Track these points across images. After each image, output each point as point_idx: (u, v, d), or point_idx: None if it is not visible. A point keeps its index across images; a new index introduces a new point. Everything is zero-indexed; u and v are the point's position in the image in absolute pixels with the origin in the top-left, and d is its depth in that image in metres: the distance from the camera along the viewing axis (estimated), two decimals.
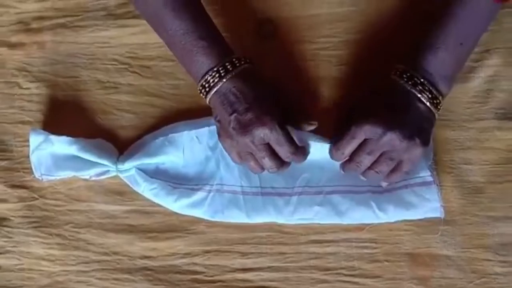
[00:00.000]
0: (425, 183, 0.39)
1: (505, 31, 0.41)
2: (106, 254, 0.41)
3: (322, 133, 0.39)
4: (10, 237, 0.42)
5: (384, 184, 0.39)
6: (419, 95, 0.35)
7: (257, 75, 0.37)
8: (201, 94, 0.37)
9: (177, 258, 0.41)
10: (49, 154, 0.41)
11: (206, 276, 0.41)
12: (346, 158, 0.37)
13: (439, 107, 0.36)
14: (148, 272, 0.41)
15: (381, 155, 0.36)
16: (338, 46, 0.42)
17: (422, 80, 0.35)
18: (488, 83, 0.41)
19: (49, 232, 0.42)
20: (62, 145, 0.40)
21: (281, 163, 0.36)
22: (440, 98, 0.36)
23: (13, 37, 0.44)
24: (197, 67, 0.36)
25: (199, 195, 0.40)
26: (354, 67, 0.42)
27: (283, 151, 0.35)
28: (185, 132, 0.40)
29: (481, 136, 0.41)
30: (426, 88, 0.35)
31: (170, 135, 0.41)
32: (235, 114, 0.35)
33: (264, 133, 0.34)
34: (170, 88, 0.43)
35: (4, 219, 0.42)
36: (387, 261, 0.40)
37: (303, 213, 0.40)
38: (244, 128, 0.35)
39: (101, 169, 0.41)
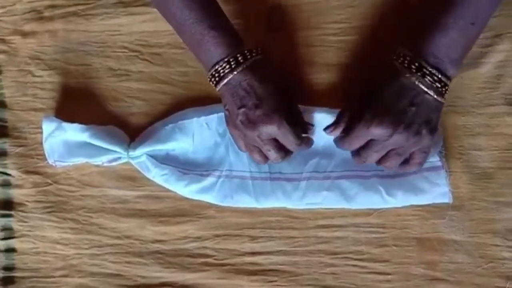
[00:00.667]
0: (434, 168, 0.39)
1: None
2: (118, 238, 0.42)
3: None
4: (26, 222, 0.43)
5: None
6: (426, 89, 0.34)
7: (267, 67, 0.37)
8: (211, 83, 0.37)
9: (188, 242, 0.42)
10: (62, 141, 0.41)
11: (216, 259, 0.41)
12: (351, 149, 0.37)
13: (447, 93, 0.36)
14: (160, 255, 0.42)
15: (389, 151, 0.36)
16: (347, 31, 0.42)
17: (431, 70, 0.34)
18: (498, 69, 0.41)
19: (63, 217, 0.43)
20: (74, 132, 0.41)
21: (285, 154, 0.37)
22: (449, 83, 0.35)
23: (26, 25, 0.44)
24: (207, 56, 0.36)
25: (209, 180, 0.41)
26: (362, 53, 0.41)
27: (289, 143, 0.36)
28: (195, 119, 0.40)
29: (491, 122, 0.41)
30: (436, 77, 0.34)
31: (180, 122, 0.41)
32: (243, 109, 0.35)
33: (272, 129, 0.35)
34: (180, 75, 0.43)
35: (20, 204, 0.43)
36: (395, 245, 0.40)
37: (312, 198, 0.40)
38: (253, 123, 0.35)
39: (112, 155, 0.41)
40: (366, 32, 0.41)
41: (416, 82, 0.34)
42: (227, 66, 0.35)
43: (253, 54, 0.36)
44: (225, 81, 0.35)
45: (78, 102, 0.43)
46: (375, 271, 0.41)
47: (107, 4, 0.43)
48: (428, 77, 0.34)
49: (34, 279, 0.43)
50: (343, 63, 0.41)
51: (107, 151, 0.41)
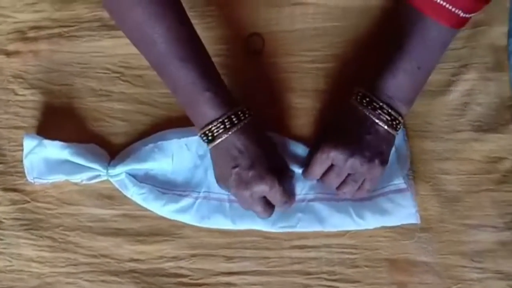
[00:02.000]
0: (399, 190, 0.41)
1: (481, 48, 0.43)
2: (94, 256, 0.42)
3: (308, 138, 0.42)
4: (1, 239, 0.43)
5: None
6: (377, 121, 0.37)
7: (258, 127, 0.38)
8: (202, 140, 0.37)
9: (164, 261, 0.42)
10: (42, 158, 0.41)
11: (191, 279, 0.41)
12: (317, 178, 0.39)
13: (398, 127, 0.38)
14: (136, 274, 0.42)
15: (347, 176, 0.38)
16: (322, 59, 0.43)
17: (381, 104, 0.37)
18: (465, 97, 0.43)
19: (39, 235, 0.42)
20: (55, 149, 0.41)
21: (271, 212, 0.38)
22: (400, 118, 0.37)
23: (10, 45, 0.45)
24: (200, 116, 0.36)
25: (186, 201, 0.41)
26: (336, 80, 0.43)
27: (277, 201, 0.37)
28: (175, 140, 0.41)
29: (459, 147, 0.42)
30: (385, 111, 0.37)
31: (160, 142, 0.41)
32: (237, 169, 0.36)
33: (264, 190, 0.36)
34: (161, 96, 0.44)
35: None
36: (367, 266, 0.41)
37: (287, 221, 0.41)
38: (245, 183, 0.36)
39: (92, 173, 0.41)
40: (340, 60, 0.43)
41: (368, 113, 0.37)
42: (221, 126, 0.36)
43: (246, 115, 0.37)
44: (219, 141, 0.36)
45: (59, 121, 0.44)
46: None
47: (91, 27, 0.44)
48: (379, 111, 0.37)
49: None
50: (319, 89, 0.43)
51: (87, 168, 0.41)
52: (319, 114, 0.43)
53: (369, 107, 0.37)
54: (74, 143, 0.41)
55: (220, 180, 0.38)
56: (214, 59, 0.40)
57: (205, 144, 0.38)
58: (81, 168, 0.41)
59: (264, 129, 0.40)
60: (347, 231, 0.41)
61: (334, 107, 0.42)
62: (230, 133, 0.36)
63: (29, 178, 0.42)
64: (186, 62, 0.35)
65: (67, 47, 0.44)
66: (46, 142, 0.41)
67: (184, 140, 0.41)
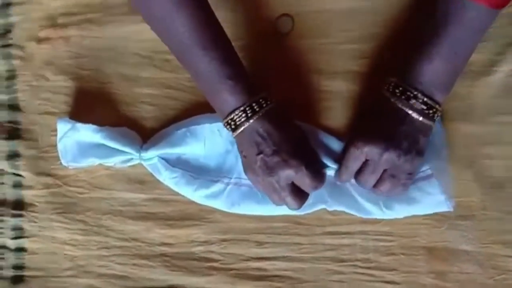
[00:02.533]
0: (426, 177, 0.39)
1: None
2: (125, 240, 0.42)
3: (340, 126, 0.40)
4: (36, 222, 0.43)
5: None
6: (411, 112, 0.35)
7: (281, 114, 0.37)
8: (227, 129, 0.37)
9: (194, 245, 0.41)
10: (75, 142, 0.41)
11: (222, 264, 0.41)
12: (352, 179, 0.38)
13: (436, 115, 0.36)
14: (166, 258, 0.41)
15: (383, 172, 0.36)
16: (355, 40, 0.41)
17: (415, 93, 0.35)
18: (510, 77, 0.40)
19: (72, 218, 0.43)
20: (88, 133, 0.40)
21: (302, 201, 0.37)
22: (437, 106, 0.36)
23: (41, 32, 0.45)
24: (222, 104, 0.36)
25: (218, 186, 0.40)
26: (371, 61, 0.41)
27: (306, 186, 0.36)
28: (207, 125, 0.40)
29: (503, 130, 0.40)
30: (420, 100, 0.35)
31: (193, 127, 0.41)
32: (261, 155, 0.35)
33: (290, 174, 0.35)
34: (188, 81, 0.43)
35: (30, 204, 0.44)
36: (403, 254, 0.40)
37: (317, 204, 0.40)
38: (271, 169, 0.35)
39: (125, 156, 0.41)
40: (373, 41, 0.41)
41: (401, 105, 0.35)
42: (243, 115, 0.35)
43: (268, 103, 0.36)
44: (242, 129, 0.36)
45: (90, 106, 0.44)
46: (383, 279, 0.40)
47: (119, 12, 0.44)
48: (413, 100, 0.35)
49: (43, 278, 0.43)
50: (351, 70, 0.41)
51: (120, 152, 0.41)
52: (351, 97, 0.41)
53: (403, 97, 0.35)
54: (106, 126, 0.41)
55: (248, 169, 0.38)
56: (241, 42, 0.39)
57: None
58: (114, 152, 0.41)
59: (290, 115, 0.38)
60: (383, 218, 0.40)
61: (367, 90, 0.41)
62: (251, 120, 0.35)
63: (63, 162, 0.42)
64: (207, 50, 0.35)
65: (97, 32, 0.44)
66: (79, 125, 0.41)
67: (216, 125, 0.41)
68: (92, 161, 0.42)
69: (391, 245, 0.40)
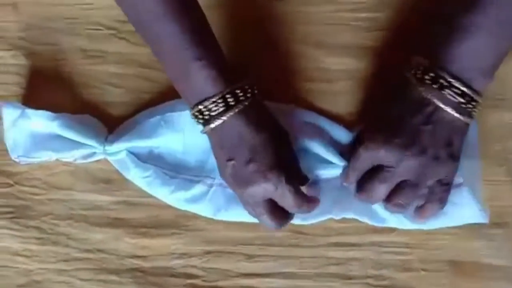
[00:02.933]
0: (455, 186, 0.33)
1: None
2: (89, 251, 0.37)
3: (345, 114, 0.36)
4: None
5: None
6: (443, 106, 0.29)
7: (262, 110, 0.32)
8: (195, 121, 0.31)
9: (172, 258, 0.37)
10: (27, 132, 0.37)
11: (205, 281, 0.37)
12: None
13: (475, 110, 0.29)
14: (138, 273, 0.37)
15: (400, 182, 0.30)
16: (367, 7, 0.37)
17: (451, 80, 0.29)
18: None
19: (25, 224, 0.38)
20: (41, 120, 0.36)
21: (282, 221, 0.32)
22: (478, 97, 0.29)
23: None
24: (191, 91, 0.31)
25: (199, 188, 0.36)
26: (388, 34, 0.37)
27: (289, 205, 0.31)
28: (186, 112, 0.34)
29: None
30: (457, 91, 0.29)
31: (168, 114, 0.36)
32: (233, 162, 0.30)
33: (268, 189, 0.30)
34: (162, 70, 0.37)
35: None
36: (423, 270, 0.35)
37: (321, 215, 0.34)
38: (243, 181, 0.30)
39: (86, 150, 0.37)
40: (390, 8, 0.37)
41: (429, 96, 0.29)
42: (214, 108, 0.30)
43: (247, 95, 0.30)
44: (213, 125, 0.30)
45: (44, 88, 0.39)
46: None
47: None
48: (448, 90, 0.29)
49: None
50: (362, 45, 0.37)
51: (80, 144, 0.36)
52: (362, 77, 0.37)
53: (434, 86, 0.29)
54: (64, 113, 0.37)
55: (221, 174, 0.32)
56: (226, 9, 0.34)
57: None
58: (73, 144, 0.36)
59: (270, 112, 0.33)
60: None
61: (382, 70, 0.36)
62: (224, 118, 0.30)
63: (13, 156, 0.37)
64: (173, 22, 0.30)
65: None
66: (30, 112, 0.37)
67: None
68: (47, 155, 0.37)
69: (409, 259, 0.36)
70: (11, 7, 0.39)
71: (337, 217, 0.35)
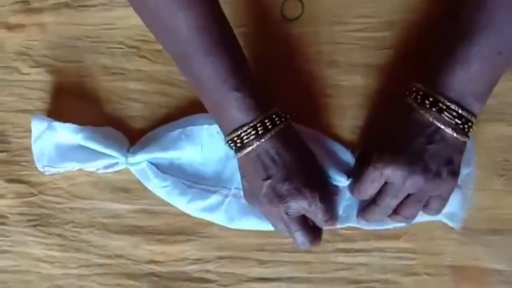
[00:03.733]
0: None
1: None
2: (109, 257, 0.38)
3: (353, 126, 0.37)
4: (7, 236, 0.39)
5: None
6: (443, 127, 0.31)
7: (295, 133, 0.33)
8: (230, 148, 0.33)
9: (187, 264, 0.38)
10: (53, 143, 0.38)
11: (219, 285, 0.38)
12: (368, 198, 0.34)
13: (471, 130, 0.31)
14: (155, 278, 0.38)
15: (407, 197, 0.32)
16: (375, 27, 0.38)
17: (449, 104, 0.30)
18: None
19: (48, 232, 0.39)
20: (67, 133, 0.37)
21: (314, 238, 0.33)
22: (473, 119, 0.31)
23: (12, 17, 0.41)
24: (228, 119, 0.32)
25: (215, 198, 0.37)
26: (393, 53, 0.38)
27: (319, 220, 0.33)
28: (205, 126, 0.36)
29: None
30: (455, 113, 0.30)
31: (189, 128, 0.37)
32: (269, 181, 0.32)
33: (302, 206, 0.32)
34: (182, 75, 0.39)
35: (1, 216, 0.40)
36: (427, 274, 0.36)
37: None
38: (279, 198, 0.31)
39: (109, 161, 0.38)
40: (397, 28, 0.38)
41: (431, 119, 0.31)
42: (253, 132, 0.31)
43: (282, 119, 0.32)
44: (249, 149, 0.32)
45: (68, 103, 0.40)
46: None
47: None
48: (446, 113, 0.31)
49: None
50: (370, 63, 0.38)
51: (103, 155, 0.37)
52: (369, 94, 0.38)
53: (433, 109, 0.31)
54: (88, 126, 0.38)
55: (250, 195, 0.34)
56: (242, 29, 0.35)
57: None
58: (97, 155, 0.37)
59: (301, 136, 0.34)
60: (404, 233, 0.36)
61: (386, 87, 0.37)
62: (262, 140, 0.31)
63: (39, 166, 0.38)
64: (212, 55, 0.31)
65: (76, 18, 0.41)
66: (57, 124, 0.38)
67: (215, 127, 0.36)
68: (71, 166, 0.38)
69: (413, 264, 0.37)
70: (38, 27, 0.41)
71: (341, 226, 0.36)
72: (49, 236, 0.39)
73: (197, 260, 0.38)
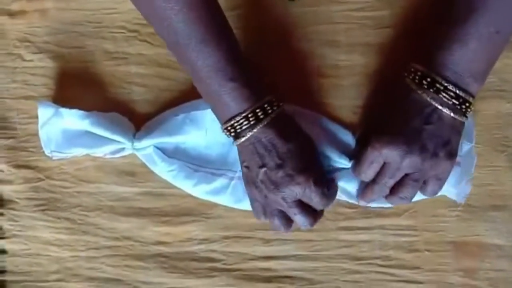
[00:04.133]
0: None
1: None
2: (117, 239, 0.39)
3: (352, 105, 0.37)
4: (16, 221, 0.40)
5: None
6: (440, 107, 0.31)
7: (289, 121, 0.34)
8: (227, 136, 0.34)
9: (194, 244, 0.39)
10: (60, 129, 0.38)
11: (225, 264, 0.38)
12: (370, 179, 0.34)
13: (469, 110, 0.32)
14: (162, 259, 0.39)
15: (403, 177, 0.33)
16: (375, 6, 0.38)
17: (446, 85, 0.31)
18: None
19: (56, 216, 0.40)
20: (73, 119, 0.38)
21: (314, 217, 0.34)
22: (471, 99, 0.31)
23: (14, 4, 0.41)
24: (222, 108, 0.33)
25: (220, 182, 0.37)
26: (397, 32, 0.38)
27: (315, 204, 0.33)
28: (209, 111, 0.37)
29: None
30: (452, 94, 0.31)
31: (193, 112, 0.37)
32: (264, 169, 0.32)
33: (297, 192, 0.32)
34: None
35: (10, 201, 0.41)
36: (428, 250, 0.37)
37: None
38: (275, 185, 0.32)
39: (116, 146, 0.38)
40: (396, 7, 0.37)
41: (429, 99, 0.31)
42: (245, 122, 0.32)
43: (274, 108, 0.32)
44: (243, 139, 0.32)
45: (72, 89, 0.40)
46: (405, 279, 0.37)
47: None
48: (443, 94, 0.31)
49: (27, 283, 0.40)
50: (369, 43, 0.38)
51: (110, 141, 0.38)
52: (369, 73, 0.38)
53: (431, 90, 0.31)
54: (95, 111, 0.38)
55: (249, 182, 0.34)
56: (238, 11, 0.35)
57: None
58: (104, 141, 0.38)
59: (297, 122, 0.35)
60: (404, 210, 0.37)
61: (385, 67, 0.37)
62: (255, 130, 0.32)
63: (46, 151, 0.39)
64: (207, 45, 0.31)
65: (76, 4, 0.40)
66: (63, 110, 0.38)
67: None
68: (78, 151, 0.39)
69: (414, 240, 0.37)
70: (39, 13, 0.40)
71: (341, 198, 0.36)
72: (57, 220, 0.40)
73: (203, 240, 0.39)
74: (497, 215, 0.37)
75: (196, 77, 0.33)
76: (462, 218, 0.37)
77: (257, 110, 0.32)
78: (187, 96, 0.39)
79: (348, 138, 0.37)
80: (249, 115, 0.32)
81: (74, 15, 0.40)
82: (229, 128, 0.33)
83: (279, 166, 0.32)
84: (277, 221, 0.34)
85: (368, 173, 0.34)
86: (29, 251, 0.40)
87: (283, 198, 0.33)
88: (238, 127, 0.32)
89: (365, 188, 0.35)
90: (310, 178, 0.32)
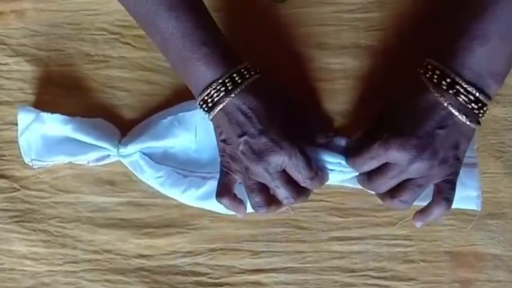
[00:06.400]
0: (467, 165, 0.34)
1: None
2: (96, 252, 0.39)
3: (343, 110, 0.37)
4: None
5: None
6: (456, 113, 0.30)
7: (270, 85, 0.33)
8: (202, 110, 0.33)
9: (178, 257, 0.38)
10: (40, 135, 0.38)
11: (210, 278, 0.38)
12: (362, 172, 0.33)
13: (484, 116, 0.31)
14: (145, 273, 0.38)
15: (407, 180, 0.32)
16: (366, 8, 0.38)
17: (466, 87, 0.30)
18: None
19: (32, 228, 0.39)
20: (55, 124, 0.37)
21: (298, 192, 0.33)
22: (489, 103, 0.31)
23: None
24: (197, 78, 0.32)
25: (210, 185, 0.37)
26: (388, 34, 0.38)
27: (301, 177, 0.32)
28: (197, 110, 0.36)
29: None
30: (472, 97, 0.30)
31: (181, 114, 0.37)
32: (245, 137, 0.31)
33: (282, 160, 0.31)
34: (166, 61, 0.38)
35: None
36: (423, 261, 0.37)
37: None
38: (257, 154, 0.31)
39: (100, 153, 0.38)
40: (389, 9, 0.38)
41: (445, 103, 0.30)
42: (222, 88, 0.31)
43: (252, 73, 0.32)
44: (221, 106, 0.31)
45: (50, 93, 0.40)
46: None
47: None
48: (463, 97, 0.30)
49: None
50: (361, 45, 0.38)
51: (94, 147, 0.37)
52: (362, 76, 0.38)
53: (450, 92, 0.30)
54: (78, 117, 0.38)
55: (228, 157, 0.33)
56: (227, 12, 0.35)
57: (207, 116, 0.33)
58: (87, 147, 0.37)
59: (279, 84, 0.34)
60: (400, 219, 0.37)
61: (380, 69, 0.38)
62: (232, 95, 0.31)
63: (26, 160, 0.38)
64: (176, 10, 0.31)
65: (55, 5, 0.41)
66: (45, 115, 0.37)
67: None
68: (61, 159, 0.38)
69: (409, 250, 0.37)
70: (15, 14, 0.40)
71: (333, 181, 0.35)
72: (33, 232, 0.39)
73: (188, 253, 0.38)
74: (494, 223, 0.37)
75: (167, 47, 0.32)
76: (458, 227, 0.37)
77: (234, 75, 0.31)
78: (172, 101, 0.39)
79: (341, 142, 0.36)
80: (226, 80, 0.31)
81: (53, 16, 0.40)
82: (205, 98, 0.32)
83: (261, 132, 0.31)
84: (257, 198, 0.33)
85: (363, 167, 0.33)
86: (3, 265, 0.39)
87: (266, 169, 0.31)
88: (215, 94, 0.31)
89: (364, 177, 0.33)
90: (296, 144, 0.31)
